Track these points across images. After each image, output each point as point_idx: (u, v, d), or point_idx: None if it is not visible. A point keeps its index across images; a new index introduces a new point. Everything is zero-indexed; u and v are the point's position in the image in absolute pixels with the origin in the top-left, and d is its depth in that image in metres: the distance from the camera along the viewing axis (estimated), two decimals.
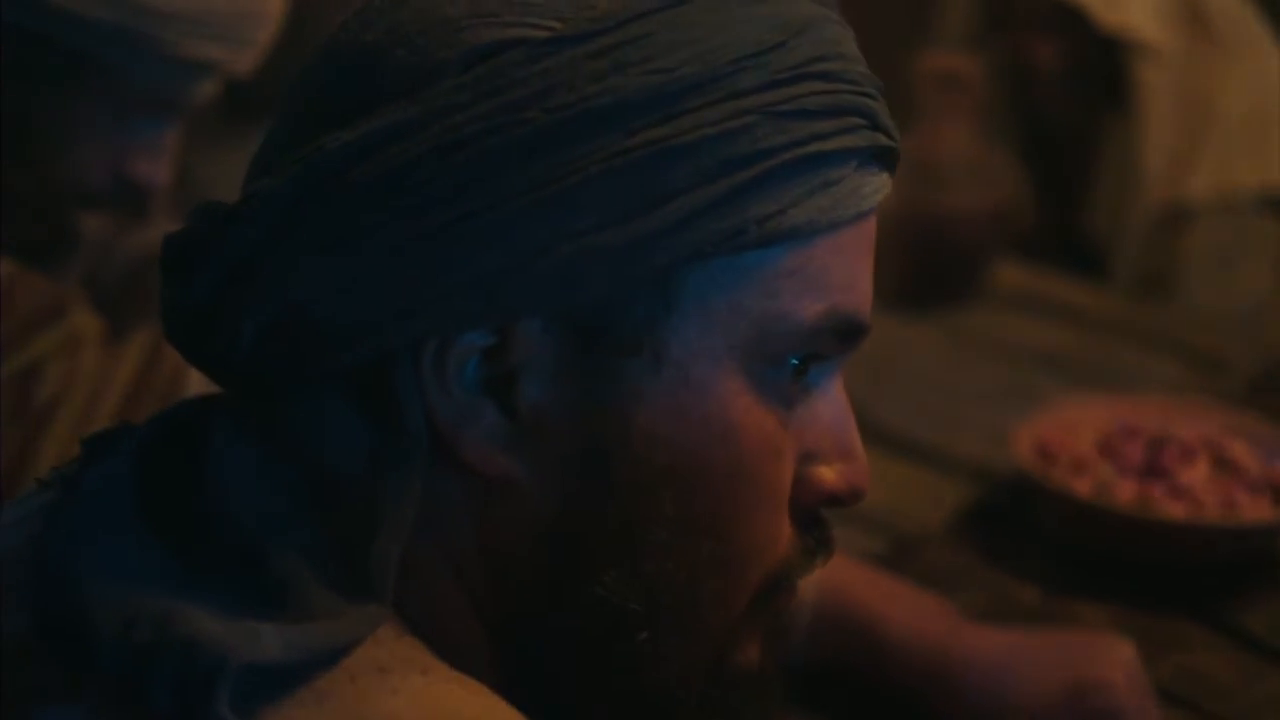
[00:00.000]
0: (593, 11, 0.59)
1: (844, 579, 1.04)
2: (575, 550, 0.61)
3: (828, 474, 0.65)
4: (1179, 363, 1.69)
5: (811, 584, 1.01)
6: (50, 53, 1.12)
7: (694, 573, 0.61)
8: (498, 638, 0.63)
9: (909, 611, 1.03)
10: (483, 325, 0.58)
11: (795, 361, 0.62)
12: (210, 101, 1.25)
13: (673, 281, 0.59)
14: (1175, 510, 1.21)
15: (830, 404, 0.65)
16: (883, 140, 0.63)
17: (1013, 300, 1.88)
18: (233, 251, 0.59)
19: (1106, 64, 2.10)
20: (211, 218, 0.61)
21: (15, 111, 1.13)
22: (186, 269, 0.61)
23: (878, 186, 0.63)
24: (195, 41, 1.15)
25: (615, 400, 0.60)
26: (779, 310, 0.60)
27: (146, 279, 1.50)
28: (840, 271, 0.62)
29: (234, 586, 0.58)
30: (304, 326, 0.59)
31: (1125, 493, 1.22)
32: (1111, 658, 0.99)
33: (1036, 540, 1.27)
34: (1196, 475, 1.23)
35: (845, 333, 0.63)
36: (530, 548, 0.61)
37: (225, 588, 0.58)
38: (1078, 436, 1.31)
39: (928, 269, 1.82)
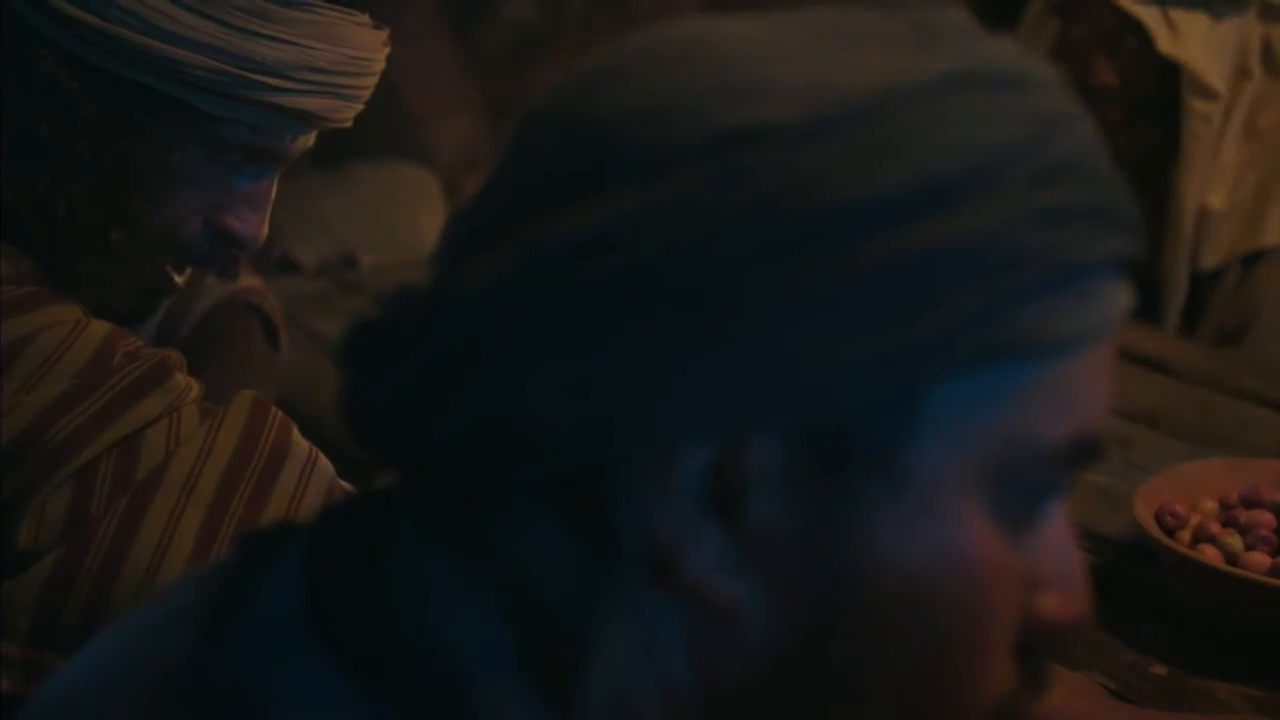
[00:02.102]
0: (843, 97, 0.54)
1: None
2: (798, 684, 0.56)
3: (1052, 604, 0.60)
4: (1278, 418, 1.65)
5: None
6: (152, 103, 1.09)
7: (920, 711, 0.57)
8: None
9: (1056, 691, 0.99)
10: (713, 436, 0.53)
11: (1036, 485, 0.57)
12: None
13: (923, 394, 0.54)
14: None
15: (1056, 529, 0.60)
16: (1133, 247, 0.58)
17: None
18: (441, 342, 0.54)
19: (1164, 95, 2.06)
20: (414, 302, 0.56)
21: (115, 164, 1.09)
22: (382, 357, 0.56)
23: (1127, 296, 0.58)
24: (300, 95, 1.11)
25: (850, 522, 0.55)
26: (1030, 430, 0.56)
27: (218, 329, 1.47)
28: (1090, 389, 0.57)
29: None
30: (515, 428, 0.54)
31: (1257, 564, 1.18)
32: None
33: (1160, 611, 1.22)
34: None
35: (1086, 454, 0.58)
36: (749, 681, 0.56)
37: None
38: (1199, 502, 1.27)
39: None
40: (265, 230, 1.19)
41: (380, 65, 1.17)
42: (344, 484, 1.12)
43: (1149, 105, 2.06)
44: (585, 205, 0.53)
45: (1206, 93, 2.03)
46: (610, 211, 0.53)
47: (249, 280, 1.50)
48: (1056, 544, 0.60)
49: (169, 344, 1.37)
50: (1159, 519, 1.24)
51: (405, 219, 1.97)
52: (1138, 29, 1.99)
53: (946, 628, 0.56)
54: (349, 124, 1.18)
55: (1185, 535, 1.23)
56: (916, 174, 0.53)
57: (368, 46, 1.15)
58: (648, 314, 0.52)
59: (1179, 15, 2.01)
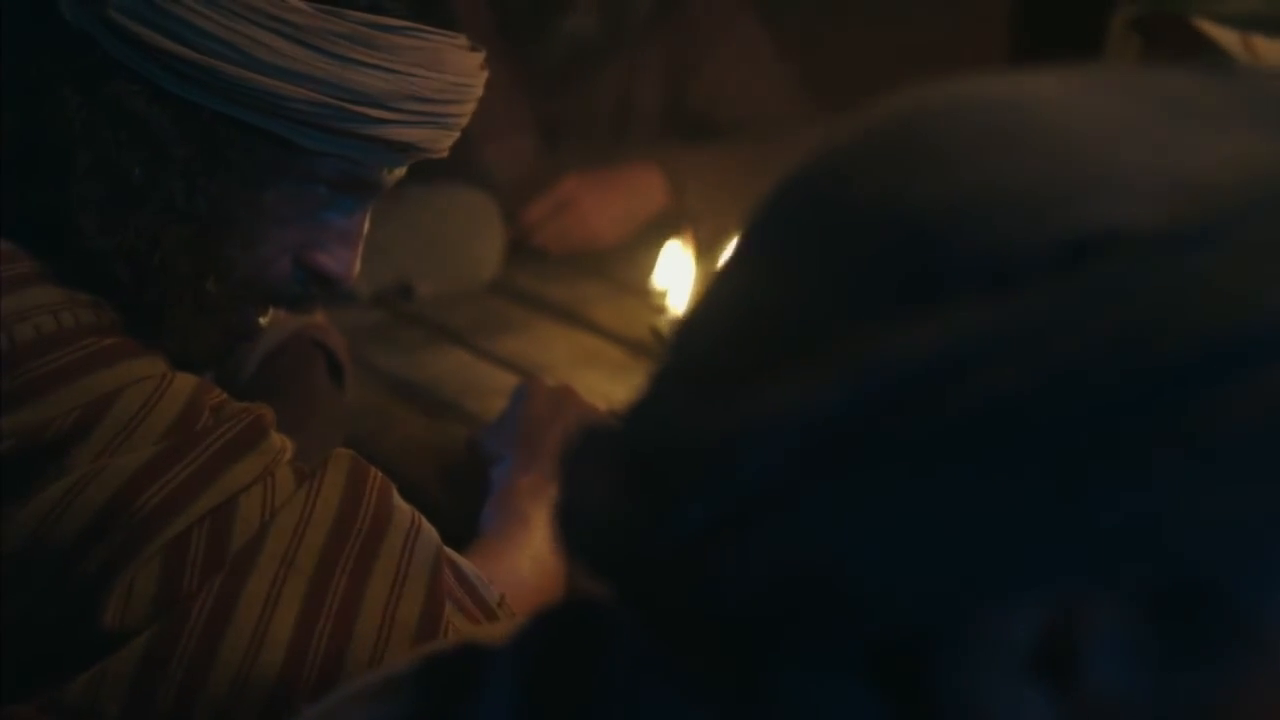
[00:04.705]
0: (1209, 195, 0.45)
1: None
2: None
3: None
4: None
5: None
6: (247, 139, 1.00)
7: None
8: None
9: None
10: (1052, 593, 0.46)
11: None
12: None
13: None
14: None
15: None
16: None
17: None
18: (739, 482, 0.46)
19: None
20: (681, 425, 0.48)
21: (208, 206, 1.01)
22: (654, 491, 0.48)
23: None
24: (402, 127, 1.03)
25: (1205, 692, 0.47)
26: None
27: (283, 369, 1.39)
28: None
29: None
30: (826, 585, 0.46)
31: None
32: None
33: None
34: None
35: None
36: None
37: None
38: None
39: None
40: (358, 266, 1.10)
41: (479, 90, 1.08)
42: (450, 551, 1.04)
43: None
44: (914, 324, 0.45)
45: None
46: (946, 335, 0.45)
47: (314, 316, 1.41)
48: None
49: (232, 384, 1.28)
50: None
51: (463, 245, 1.88)
52: (1215, 52, 1.90)
53: None
54: (445, 154, 1.10)
55: None
56: None
57: (468, 71, 1.06)
58: (991, 458, 0.44)
59: (1261, 43, 1.92)
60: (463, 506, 1.30)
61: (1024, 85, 0.50)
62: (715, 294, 0.53)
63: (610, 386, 1.58)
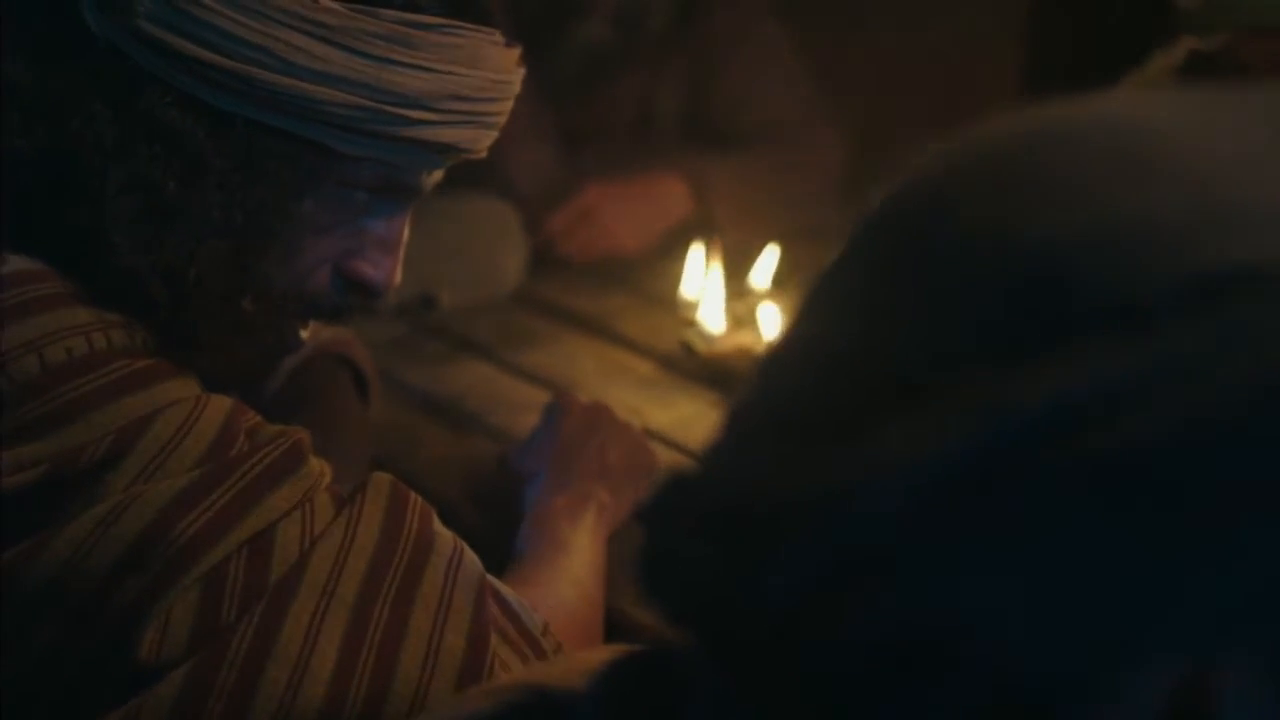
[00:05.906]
0: None
1: None
2: None
3: None
4: None
5: None
6: (284, 147, 0.97)
7: None
8: None
9: None
10: (1185, 651, 0.43)
11: None
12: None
13: None
14: None
15: None
16: None
17: None
18: (855, 535, 0.43)
19: None
20: (783, 480, 0.45)
21: (245, 219, 0.97)
22: (747, 544, 0.45)
23: None
24: (442, 127, 1.00)
25: None
26: None
27: (309, 385, 1.36)
28: None
29: None
30: (944, 643, 0.43)
31: None
32: None
33: None
34: None
35: None
36: None
37: None
38: None
39: None
40: (399, 274, 1.07)
41: (517, 87, 1.06)
42: (493, 580, 1.00)
43: None
44: (1041, 368, 0.42)
45: None
46: (1076, 379, 0.42)
47: (339, 331, 1.38)
48: None
49: (257, 402, 1.25)
50: None
51: (486, 256, 1.85)
52: None
53: None
54: (484, 154, 1.07)
55: None
56: None
57: (505, 67, 1.03)
58: (1124, 512, 0.42)
59: None
60: (495, 527, 1.27)
61: (1144, 109, 0.47)
62: (806, 332, 0.50)
63: (639, 400, 1.55)
